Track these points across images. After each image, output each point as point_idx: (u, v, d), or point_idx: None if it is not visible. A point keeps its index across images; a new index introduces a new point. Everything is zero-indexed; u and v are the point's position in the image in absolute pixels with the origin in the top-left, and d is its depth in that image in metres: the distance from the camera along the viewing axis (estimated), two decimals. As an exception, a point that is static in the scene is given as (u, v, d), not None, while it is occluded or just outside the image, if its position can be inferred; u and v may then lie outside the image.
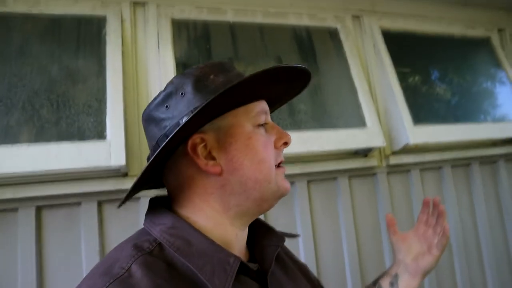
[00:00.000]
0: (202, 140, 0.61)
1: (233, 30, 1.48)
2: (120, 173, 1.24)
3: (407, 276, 0.87)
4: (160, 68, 1.31)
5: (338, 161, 1.55)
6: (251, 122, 0.63)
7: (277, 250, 0.69)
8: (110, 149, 1.14)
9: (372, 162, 1.61)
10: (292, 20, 1.60)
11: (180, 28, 1.39)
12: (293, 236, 0.77)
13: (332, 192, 1.57)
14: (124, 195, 0.66)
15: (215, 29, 1.45)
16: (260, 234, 0.72)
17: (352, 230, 1.55)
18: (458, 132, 1.72)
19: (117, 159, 1.13)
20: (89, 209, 1.21)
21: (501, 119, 1.89)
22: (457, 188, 1.83)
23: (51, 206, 1.19)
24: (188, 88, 0.62)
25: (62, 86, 1.20)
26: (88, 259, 1.17)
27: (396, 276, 0.88)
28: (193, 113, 0.55)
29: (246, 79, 0.57)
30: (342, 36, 1.67)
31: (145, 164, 1.26)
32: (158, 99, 0.64)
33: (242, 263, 0.59)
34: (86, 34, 1.27)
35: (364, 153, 1.61)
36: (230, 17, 1.48)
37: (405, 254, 0.89)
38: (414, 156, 1.69)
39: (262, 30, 1.53)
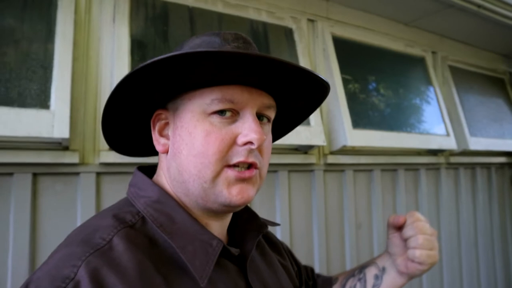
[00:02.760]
0: (164, 116, 0.62)
1: (192, 15, 1.48)
2: (60, 147, 1.19)
3: (394, 273, 0.78)
4: (114, 42, 1.27)
5: (280, 156, 1.62)
6: (203, 108, 0.56)
7: (258, 237, 0.67)
8: (54, 120, 1.09)
9: (311, 159, 1.71)
10: (251, 14, 1.63)
11: (139, 4, 1.36)
12: (274, 224, 0.74)
13: (272, 184, 1.64)
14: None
15: (174, 11, 1.43)
16: (243, 218, 0.70)
17: (286, 221, 1.64)
18: (390, 139, 1.88)
19: (61, 131, 1.09)
20: (22, 181, 1.14)
21: (426, 132, 2.10)
22: (383, 190, 2.00)
23: (-22, 175, 1.11)
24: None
25: (3, 46, 1.12)
26: (16, 231, 1.11)
27: (383, 270, 0.80)
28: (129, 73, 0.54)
29: (181, 53, 0.49)
30: (296, 37, 1.74)
31: (87, 140, 1.23)
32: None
33: (224, 247, 0.57)
34: (35, -5, 1.19)
35: (305, 150, 1.70)
36: (190, 1, 1.47)
37: (398, 252, 0.77)
38: (350, 158, 1.82)
39: (221, 19, 1.54)
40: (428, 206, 2.19)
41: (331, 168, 1.80)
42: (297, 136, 1.55)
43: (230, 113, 0.57)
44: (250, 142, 0.55)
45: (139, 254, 0.51)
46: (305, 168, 1.73)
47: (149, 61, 0.50)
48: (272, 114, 0.63)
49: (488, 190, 2.58)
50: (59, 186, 1.20)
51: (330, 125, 1.78)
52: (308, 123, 1.62)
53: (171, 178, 0.60)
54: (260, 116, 0.60)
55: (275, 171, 1.65)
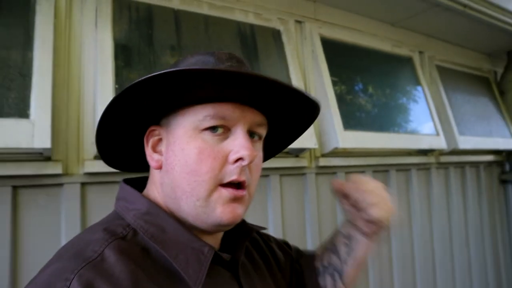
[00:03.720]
0: (157, 132, 0.62)
1: (177, 17, 1.44)
2: (42, 157, 1.13)
3: (360, 237, 0.78)
4: (96, 47, 1.22)
5: (271, 160, 1.58)
6: (195, 124, 0.57)
7: (246, 241, 0.68)
8: (34, 130, 1.03)
9: (303, 162, 1.68)
10: (238, 16, 1.60)
11: (122, 8, 1.31)
12: (262, 228, 0.75)
13: (264, 189, 1.61)
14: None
15: (158, 14, 1.39)
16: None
17: (279, 227, 1.60)
18: (381, 140, 1.86)
19: (42, 141, 1.03)
20: (1, 195, 1.08)
21: (417, 132, 2.09)
22: (375, 192, 1.98)
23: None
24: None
25: (-22, 54, 1.06)
26: (-4, 249, 1.05)
27: (349, 237, 0.80)
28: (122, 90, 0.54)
29: (175, 71, 0.51)
30: (284, 39, 1.72)
31: (70, 149, 1.17)
32: None
33: (215, 253, 0.58)
34: (12, -1, 1.13)
35: (296, 153, 1.67)
36: (175, 4, 1.43)
37: (355, 215, 0.78)
38: (341, 160, 1.80)
39: (207, 21, 1.51)
40: (420, 206, 2.18)
41: (323, 170, 1.78)
42: (288, 139, 1.52)
43: (222, 130, 0.57)
44: (241, 159, 0.56)
45: (132, 264, 0.51)
46: (297, 172, 1.71)
47: (146, 76, 0.51)
48: (263, 131, 0.64)
49: (477, 188, 2.60)
50: (41, 198, 1.14)
51: (321, 127, 1.75)
52: (299, 126, 1.59)
53: (164, 193, 0.61)
54: (251, 134, 0.61)
55: (266, 176, 1.61)
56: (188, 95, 0.56)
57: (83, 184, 1.20)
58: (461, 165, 2.48)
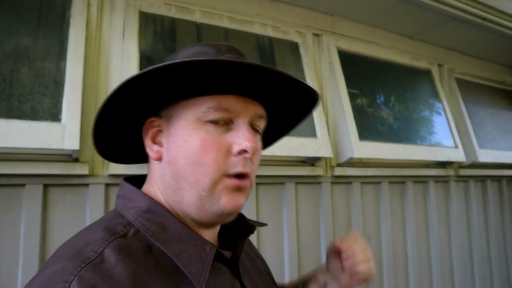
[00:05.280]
0: (157, 123, 0.62)
1: (199, 30, 1.52)
2: (71, 158, 1.21)
3: (336, 286, 0.82)
4: (123, 58, 1.31)
5: (286, 168, 1.63)
6: (198, 116, 0.57)
7: (246, 238, 0.68)
8: (64, 132, 1.12)
9: (318, 171, 1.71)
10: (256, 29, 1.67)
11: (148, 21, 1.40)
12: (262, 225, 0.75)
13: (279, 196, 1.64)
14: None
15: (181, 27, 1.48)
16: (231, 221, 0.69)
17: (294, 234, 1.63)
18: (397, 151, 1.87)
19: (71, 143, 1.12)
20: (33, 192, 1.17)
21: (434, 144, 2.09)
22: (392, 202, 1.98)
23: (-8, 185, 1.14)
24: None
25: (17, 63, 1.16)
26: (27, 242, 1.13)
27: (324, 285, 0.84)
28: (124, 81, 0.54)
29: (177, 62, 0.51)
30: (302, 51, 1.77)
31: (96, 152, 1.25)
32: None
33: (217, 250, 0.58)
34: (49, 13, 1.24)
35: (312, 162, 1.70)
36: (197, 17, 1.52)
37: (339, 268, 0.81)
38: (357, 170, 1.82)
39: (227, 34, 1.58)
40: (438, 219, 2.16)
41: (338, 180, 1.80)
42: (304, 148, 1.56)
43: (224, 122, 0.58)
44: (245, 151, 0.57)
45: (132, 264, 0.50)
46: (312, 180, 1.74)
47: (145, 70, 0.52)
48: (262, 124, 0.65)
49: (499, 203, 2.54)
50: (68, 197, 1.22)
51: (337, 137, 1.79)
52: (315, 135, 1.63)
53: (164, 185, 0.60)
54: (252, 127, 0.62)
55: (282, 183, 1.65)
56: (189, 87, 0.56)
57: (107, 185, 1.28)
58: (482, 178, 2.44)
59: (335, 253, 0.82)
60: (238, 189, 0.58)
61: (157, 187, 0.62)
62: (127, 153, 0.72)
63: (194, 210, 0.58)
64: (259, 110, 0.62)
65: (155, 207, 0.58)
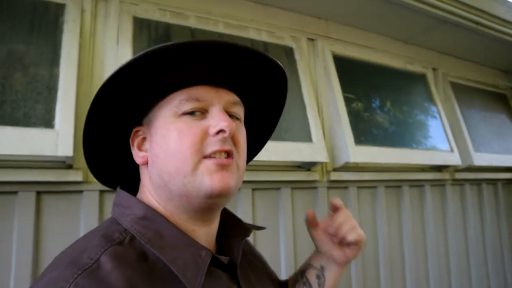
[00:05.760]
0: (141, 132, 0.64)
1: (194, 35, 1.52)
2: (64, 165, 1.20)
3: (334, 266, 0.81)
4: (117, 64, 1.31)
5: (283, 173, 1.63)
6: (173, 111, 0.59)
7: (242, 241, 0.68)
8: (58, 139, 1.11)
9: (314, 176, 1.71)
10: (251, 34, 1.67)
11: (142, 27, 1.40)
12: (259, 228, 0.75)
13: (275, 201, 1.64)
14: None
15: (176, 32, 1.48)
16: (228, 225, 0.70)
17: (290, 239, 1.62)
18: (393, 156, 1.88)
19: (65, 149, 1.11)
20: (26, 199, 1.16)
21: (430, 148, 2.09)
22: (388, 207, 1.98)
23: (-17, 193, 1.13)
24: None
25: (10, 69, 1.15)
26: (19, 250, 1.12)
27: (322, 269, 0.83)
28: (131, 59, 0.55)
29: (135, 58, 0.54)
30: (297, 56, 1.78)
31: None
32: None
33: (213, 256, 0.58)
34: (42, 20, 1.23)
35: (308, 167, 1.70)
36: (192, 23, 1.52)
37: (330, 247, 0.80)
38: (353, 174, 1.82)
39: (222, 39, 1.58)
40: (434, 223, 2.16)
41: (334, 185, 1.80)
42: (299, 153, 1.56)
43: (199, 113, 0.59)
44: (222, 131, 0.57)
45: (128, 270, 0.50)
46: (309, 185, 1.73)
47: (113, 72, 0.55)
48: (240, 111, 0.65)
49: (495, 206, 2.55)
50: (62, 204, 1.21)
51: (333, 142, 1.79)
52: (310, 140, 1.63)
53: (154, 186, 0.61)
54: (229, 115, 0.61)
55: (278, 188, 1.65)
56: (158, 83, 0.58)
57: (101, 192, 1.27)
58: (477, 182, 2.45)
59: (314, 228, 0.83)
60: (222, 168, 0.57)
61: (149, 193, 0.62)
62: (123, 175, 0.72)
63: (185, 200, 0.58)
64: (232, 97, 0.63)
65: (150, 214, 0.59)
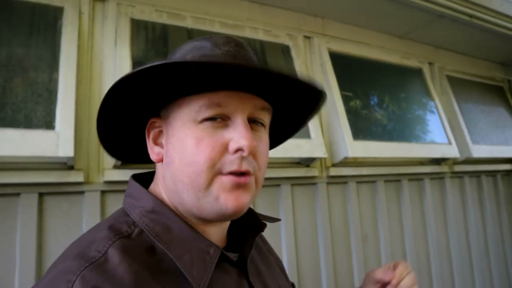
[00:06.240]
0: (158, 124, 0.62)
1: (191, 36, 1.53)
2: (65, 166, 1.22)
3: None
4: (115, 65, 1.32)
5: (282, 169, 1.64)
6: (192, 116, 0.55)
7: (256, 236, 0.66)
8: (59, 140, 1.12)
9: (314, 172, 1.72)
10: (248, 33, 1.68)
11: (139, 28, 1.41)
12: (275, 220, 0.71)
13: (275, 198, 1.65)
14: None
15: (173, 33, 1.49)
16: (243, 218, 0.66)
17: (291, 235, 1.63)
18: (392, 150, 1.89)
19: (65, 150, 1.12)
20: (29, 201, 1.17)
21: (428, 141, 2.10)
22: (388, 201, 1.99)
23: (-15, 195, 1.14)
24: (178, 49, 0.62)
25: (10, 72, 1.17)
26: (23, 251, 1.13)
27: None
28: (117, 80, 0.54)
29: (165, 63, 0.51)
30: (294, 54, 1.79)
31: (91, 159, 1.26)
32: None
33: (222, 252, 0.57)
34: (41, 23, 1.25)
35: (307, 163, 1.71)
36: (189, 23, 1.53)
37: None
38: (352, 169, 1.83)
39: (219, 39, 1.60)
40: (434, 216, 2.17)
41: (334, 180, 1.81)
42: (298, 149, 1.57)
43: (221, 119, 0.55)
44: (241, 149, 0.53)
45: (135, 264, 0.50)
46: (308, 181, 1.74)
47: (136, 69, 0.51)
48: (266, 117, 0.61)
49: (495, 198, 2.56)
50: (64, 205, 1.22)
51: (331, 138, 1.80)
52: (309, 136, 1.64)
53: (166, 187, 0.60)
54: (253, 120, 0.58)
55: (277, 185, 1.66)
56: (180, 86, 0.55)
57: (103, 192, 1.28)
58: (476, 174, 2.46)
59: (380, 282, 0.80)
60: (238, 187, 0.55)
61: (162, 188, 0.61)
62: (133, 153, 0.72)
63: (196, 211, 0.57)
64: (258, 102, 0.58)
65: (159, 207, 0.58)
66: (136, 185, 0.61)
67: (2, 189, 1.14)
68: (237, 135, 0.54)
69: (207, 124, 0.55)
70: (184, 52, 0.60)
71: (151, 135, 0.62)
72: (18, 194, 1.16)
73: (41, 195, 1.19)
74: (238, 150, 0.54)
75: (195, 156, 0.54)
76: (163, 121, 0.61)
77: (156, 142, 0.62)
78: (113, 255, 0.49)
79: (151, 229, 0.55)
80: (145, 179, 0.65)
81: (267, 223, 0.69)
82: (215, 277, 0.55)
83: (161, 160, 0.60)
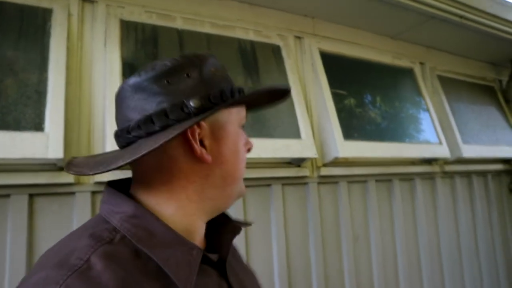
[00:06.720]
0: (200, 127, 0.61)
1: (181, 37, 1.54)
2: (55, 167, 1.22)
3: None
4: (105, 66, 1.33)
5: (273, 169, 1.65)
6: (238, 122, 0.66)
7: (233, 238, 0.69)
8: (48, 142, 1.13)
9: (305, 172, 1.73)
10: (238, 33, 1.69)
11: (129, 29, 1.42)
12: (246, 225, 0.76)
13: (266, 198, 1.66)
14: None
15: (163, 34, 1.50)
16: (217, 221, 0.71)
17: (282, 235, 1.65)
18: (382, 149, 1.91)
19: (55, 152, 1.12)
20: (19, 202, 1.17)
21: (419, 141, 2.12)
22: (379, 200, 2.01)
23: (-24, 197, 1.15)
24: (195, 73, 0.60)
25: (-1, 75, 1.17)
26: (13, 253, 1.13)
27: None
28: (227, 101, 0.61)
29: (265, 88, 0.67)
30: (284, 54, 1.80)
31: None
32: (157, 71, 0.59)
33: (203, 254, 0.59)
34: (30, 25, 1.25)
35: (298, 163, 1.72)
36: (179, 24, 1.54)
37: None
38: (343, 169, 1.85)
39: (209, 39, 1.60)
40: (425, 216, 2.19)
41: (325, 180, 1.83)
42: (288, 149, 1.59)
43: None
44: (250, 149, 0.70)
45: (120, 270, 0.50)
46: (299, 181, 1.76)
47: (251, 93, 0.65)
48: None
49: (486, 198, 2.59)
50: (55, 206, 1.23)
51: (322, 138, 1.81)
52: (299, 136, 1.66)
53: (207, 185, 0.62)
54: None
55: (268, 185, 1.67)
56: (249, 101, 0.71)
57: (93, 193, 1.28)
58: (467, 174, 2.48)
59: None
60: None
61: (184, 189, 0.61)
62: None
63: (227, 200, 0.66)
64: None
65: (140, 212, 0.57)
66: (113, 192, 0.61)
67: (-9, 191, 1.15)
68: (247, 139, 0.70)
69: (242, 129, 0.69)
70: (211, 71, 0.65)
71: (197, 136, 0.60)
72: (8, 196, 1.17)
73: (31, 196, 1.20)
74: (249, 150, 0.70)
75: (243, 155, 0.67)
76: (206, 123, 0.62)
77: (202, 144, 0.61)
78: (97, 262, 0.49)
79: (133, 234, 0.55)
80: (121, 186, 0.64)
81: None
82: (197, 280, 0.56)
83: (209, 160, 0.61)
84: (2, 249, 1.14)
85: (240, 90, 0.65)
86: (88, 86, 1.32)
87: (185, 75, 0.60)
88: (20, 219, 1.17)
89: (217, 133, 0.63)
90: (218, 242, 0.69)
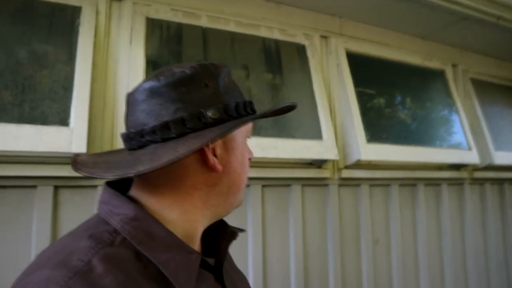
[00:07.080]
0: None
1: (205, 35, 1.55)
2: (79, 161, 1.26)
3: None
4: (130, 63, 1.36)
5: (293, 170, 1.64)
6: (246, 134, 0.69)
7: (229, 244, 0.70)
8: (72, 136, 1.17)
9: (325, 173, 1.71)
10: (263, 32, 1.68)
11: (154, 27, 1.44)
12: (241, 230, 0.75)
13: (285, 198, 1.65)
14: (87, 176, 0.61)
15: (188, 32, 1.51)
16: (214, 227, 0.71)
17: (300, 236, 1.64)
18: (408, 153, 1.85)
19: (78, 146, 1.16)
20: (45, 193, 1.22)
21: (447, 146, 2.05)
22: (402, 205, 1.96)
23: (4, 187, 1.20)
24: (212, 83, 0.61)
25: (29, 70, 1.22)
26: (38, 241, 1.19)
27: None
28: (242, 115, 0.63)
29: (283, 108, 0.67)
30: (309, 53, 1.78)
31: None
32: (176, 78, 0.59)
33: (202, 258, 0.59)
34: (59, 22, 1.29)
35: (319, 164, 1.70)
36: (203, 22, 1.55)
37: None
38: (365, 172, 1.81)
39: (233, 38, 1.61)
40: (451, 224, 2.11)
41: (346, 182, 1.80)
42: (308, 150, 1.57)
43: None
44: (250, 159, 0.72)
45: (121, 274, 0.50)
46: (319, 183, 1.74)
47: (272, 110, 0.65)
48: None
49: (518, 206, 2.47)
50: (77, 198, 1.27)
51: (345, 140, 1.78)
52: (320, 137, 1.63)
53: (213, 192, 0.63)
54: None
55: (288, 185, 1.66)
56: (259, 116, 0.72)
57: (114, 187, 1.32)
58: (499, 181, 2.38)
59: None
60: None
61: (190, 196, 0.62)
62: None
63: (228, 208, 0.67)
64: None
65: (141, 215, 0.57)
66: (113, 192, 0.60)
67: (20, 181, 1.20)
68: (249, 149, 0.72)
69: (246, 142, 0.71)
70: (229, 84, 0.67)
71: (210, 149, 0.62)
72: (35, 187, 1.22)
73: (56, 188, 1.25)
74: (250, 159, 0.72)
75: (247, 166, 0.69)
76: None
77: (214, 154, 0.63)
78: (97, 265, 0.49)
79: (134, 237, 0.54)
80: (119, 187, 0.63)
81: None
82: (196, 283, 0.57)
83: (219, 169, 0.62)
84: (28, 236, 1.19)
85: (251, 104, 0.66)
86: (112, 83, 1.36)
87: (203, 84, 0.60)
88: (45, 209, 1.22)
89: (228, 144, 0.65)
90: (215, 246, 0.70)
